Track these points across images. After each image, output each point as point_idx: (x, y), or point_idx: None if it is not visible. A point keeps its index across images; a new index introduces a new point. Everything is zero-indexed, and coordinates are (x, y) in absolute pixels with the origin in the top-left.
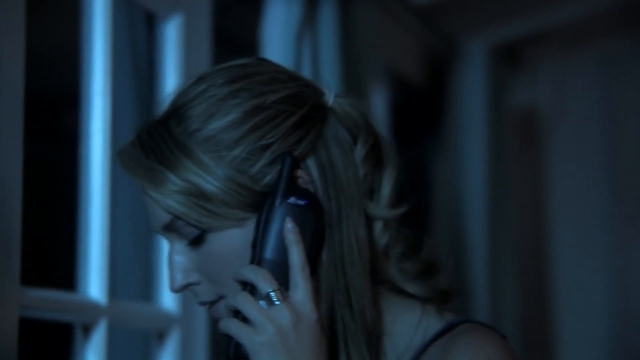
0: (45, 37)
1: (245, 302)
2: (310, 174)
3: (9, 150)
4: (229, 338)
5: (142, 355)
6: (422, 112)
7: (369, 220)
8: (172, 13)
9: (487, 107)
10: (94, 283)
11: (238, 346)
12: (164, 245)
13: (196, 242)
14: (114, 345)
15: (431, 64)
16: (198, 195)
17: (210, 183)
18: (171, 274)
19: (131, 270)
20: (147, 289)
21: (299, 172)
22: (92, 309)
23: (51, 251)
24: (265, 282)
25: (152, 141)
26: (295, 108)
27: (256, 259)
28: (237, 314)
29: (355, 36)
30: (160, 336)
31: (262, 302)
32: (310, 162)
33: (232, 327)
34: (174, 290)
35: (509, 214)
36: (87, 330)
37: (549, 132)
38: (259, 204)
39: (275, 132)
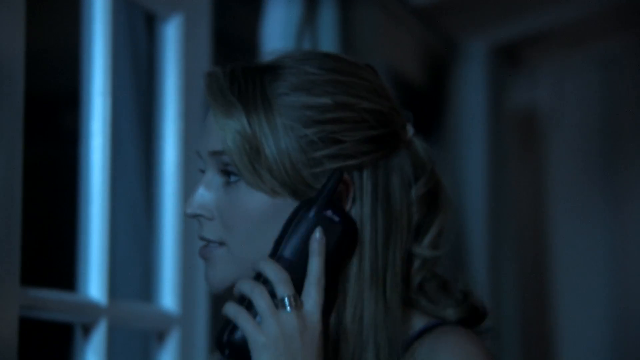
0: (45, 37)
1: (260, 298)
2: (361, 184)
3: (9, 151)
4: (227, 321)
5: (142, 355)
6: (422, 112)
7: (409, 257)
8: (172, 13)
9: (487, 107)
10: (94, 283)
11: (233, 331)
12: (164, 245)
13: (230, 184)
14: (114, 345)
15: (431, 64)
16: (252, 147)
17: (269, 145)
18: (191, 198)
19: (131, 270)
20: (147, 289)
21: (347, 178)
22: (92, 309)
23: (51, 251)
24: (284, 286)
25: (243, 80)
26: (378, 124)
27: (277, 255)
28: (243, 299)
29: (355, 36)
30: (160, 336)
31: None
32: (366, 175)
33: (241, 320)
34: (186, 213)
35: (509, 214)
36: (87, 330)
37: (548, 132)
38: (296, 190)
39: (353, 134)
